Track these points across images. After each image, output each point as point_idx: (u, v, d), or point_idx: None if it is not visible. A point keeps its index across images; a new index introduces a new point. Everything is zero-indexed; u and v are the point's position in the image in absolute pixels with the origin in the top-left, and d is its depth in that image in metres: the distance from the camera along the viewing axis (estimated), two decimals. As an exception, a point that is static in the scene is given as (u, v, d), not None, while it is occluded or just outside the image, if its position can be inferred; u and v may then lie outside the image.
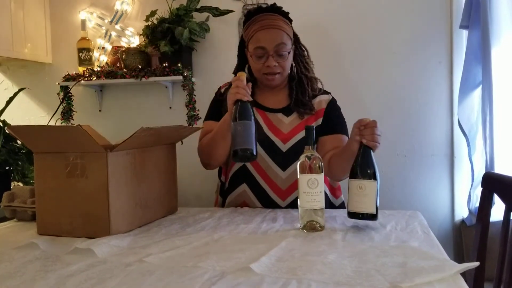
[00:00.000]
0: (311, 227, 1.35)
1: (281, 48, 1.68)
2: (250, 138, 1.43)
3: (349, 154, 1.45)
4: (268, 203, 1.73)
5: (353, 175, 1.35)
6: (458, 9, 2.38)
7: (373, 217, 1.34)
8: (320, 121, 1.77)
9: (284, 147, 1.72)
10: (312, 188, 1.33)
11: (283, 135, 1.73)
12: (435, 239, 1.26)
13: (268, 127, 1.76)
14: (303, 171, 1.35)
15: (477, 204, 1.63)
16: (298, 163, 1.36)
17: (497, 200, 1.53)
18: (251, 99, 1.50)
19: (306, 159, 1.35)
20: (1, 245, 1.29)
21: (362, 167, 1.34)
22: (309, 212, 1.35)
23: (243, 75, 1.53)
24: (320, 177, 1.34)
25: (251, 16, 1.75)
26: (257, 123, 1.74)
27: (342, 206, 1.84)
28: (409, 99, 2.48)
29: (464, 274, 0.99)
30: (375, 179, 1.33)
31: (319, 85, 1.84)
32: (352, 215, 1.35)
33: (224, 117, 1.62)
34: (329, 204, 1.80)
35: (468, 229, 2.34)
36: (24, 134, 1.45)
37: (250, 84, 1.52)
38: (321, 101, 1.79)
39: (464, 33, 2.36)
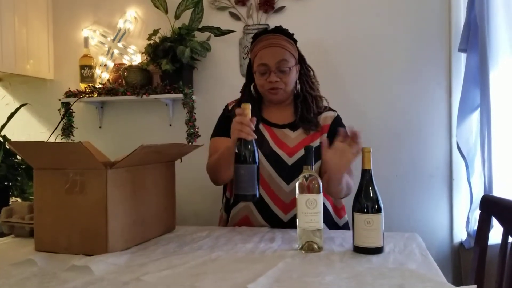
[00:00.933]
0: (309, 247, 1.35)
1: (283, 64, 1.74)
2: (253, 183, 1.42)
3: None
4: (270, 217, 1.74)
5: (360, 209, 1.34)
6: (457, 32, 2.40)
7: (380, 250, 1.34)
8: (325, 136, 1.80)
9: (289, 161, 1.75)
10: (310, 209, 1.33)
11: (289, 149, 1.76)
12: (433, 262, 1.26)
13: (274, 141, 1.79)
14: (301, 191, 1.35)
15: (476, 227, 1.63)
16: (297, 183, 1.36)
17: (495, 223, 1.53)
18: (255, 136, 1.46)
19: (304, 179, 1.35)
20: (-2, 261, 1.29)
21: (369, 202, 1.34)
22: (308, 233, 1.35)
23: (247, 108, 1.48)
24: (319, 197, 1.34)
25: (257, 37, 1.83)
26: (263, 138, 1.78)
27: (346, 226, 1.84)
28: (408, 121, 2.49)
29: (462, 297, 0.99)
30: (381, 211, 1.34)
31: (325, 103, 1.88)
32: (359, 249, 1.34)
33: (228, 146, 1.61)
34: (333, 224, 1.81)
35: (466, 251, 2.33)
36: (24, 150, 1.46)
37: (254, 119, 1.49)
38: (326, 118, 1.84)
39: (463, 56, 2.39)
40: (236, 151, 1.44)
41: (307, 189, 1.34)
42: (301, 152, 1.74)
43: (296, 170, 1.71)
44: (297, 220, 1.37)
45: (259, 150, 1.75)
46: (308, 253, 1.34)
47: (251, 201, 1.43)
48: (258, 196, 1.44)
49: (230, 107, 1.91)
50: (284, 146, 1.77)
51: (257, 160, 1.44)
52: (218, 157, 1.70)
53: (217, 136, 1.86)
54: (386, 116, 2.52)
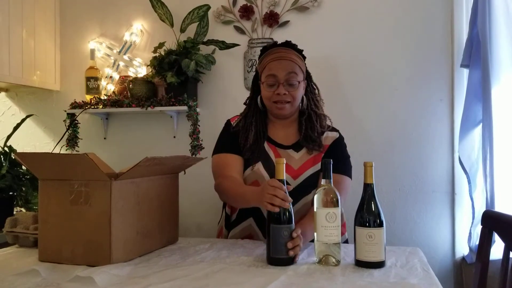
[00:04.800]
0: (326, 261, 1.36)
1: (292, 77, 1.73)
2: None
3: None
4: None
5: (362, 223, 1.35)
6: (459, 48, 2.42)
7: (382, 264, 1.34)
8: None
9: (294, 183, 1.74)
10: (330, 222, 1.34)
11: (294, 172, 1.75)
12: (434, 277, 1.26)
13: None
14: (321, 205, 1.35)
15: (478, 242, 1.63)
16: (315, 197, 1.37)
17: (497, 238, 1.54)
18: (291, 200, 1.37)
19: (324, 193, 1.36)
20: (2, 271, 1.30)
21: (371, 216, 1.34)
22: (327, 246, 1.36)
23: (282, 163, 1.41)
24: (338, 211, 1.35)
25: (266, 50, 1.82)
26: (268, 157, 1.77)
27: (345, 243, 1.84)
28: (410, 136, 2.51)
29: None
30: (382, 225, 1.34)
31: (328, 122, 1.87)
32: (361, 263, 1.35)
33: (252, 198, 1.54)
34: None
35: (468, 266, 2.33)
36: (30, 161, 1.47)
37: (289, 187, 1.44)
38: (327, 138, 1.83)
39: (465, 71, 2.40)
40: (272, 212, 1.36)
41: (326, 203, 1.35)
42: (305, 174, 1.75)
43: (300, 192, 1.73)
44: (315, 234, 1.38)
45: (264, 169, 1.75)
46: (325, 266, 1.35)
47: (287, 265, 1.38)
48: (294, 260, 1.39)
49: (233, 123, 1.88)
50: (289, 168, 1.74)
51: (293, 221, 1.39)
52: (239, 195, 1.63)
53: (221, 152, 1.83)
54: (388, 130, 2.53)
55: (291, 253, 1.35)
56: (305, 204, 1.73)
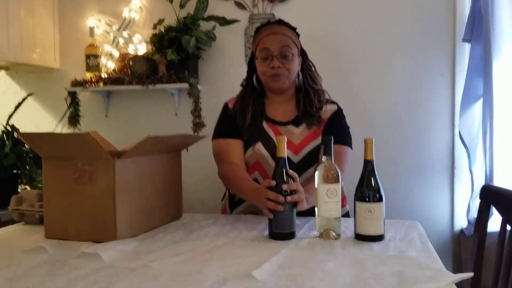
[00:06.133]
0: (327, 235, 1.39)
1: (286, 50, 1.73)
2: (292, 220, 1.40)
3: None
4: None
5: (361, 198, 1.37)
6: (461, 22, 2.41)
7: (381, 237, 1.37)
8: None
9: (295, 158, 1.75)
10: (331, 198, 1.37)
11: (295, 147, 1.76)
12: (432, 250, 1.29)
13: None
14: (322, 181, 1.38)
15: (476, 215, 1.65)
16: (316, 173, 1.39)
17: (495, 211, 1.56)
18: (283, 199, 1.38)
19: (325, 169, 1.38)
20: (10, 249, 1.33)
21: (371, 191, 1.36)
22: (327, 221, 1.38)
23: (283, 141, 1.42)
24: (338, 186, 1.38)
25: (259, 29, 1.82)
26: (268, 137, 1.78)
27: (347, 216, 1.86)
28: (411, 110, 2.51)
29: (461, 283, 1.02)
30: (382, 200, 1.36)
31: (326, 96, 1.88)
32: (361, 237, 1.37)
33: (251, 198, 1.59)
34: None
35: (467, 239, 2.37)
36: (33, 141, 1.49)
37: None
38: (326, 111, 1.83)
39: (467, 46, 2.40)
40: (274, 187, 1.38)
41: (327, 179, 1.37)
42: (306, 149, 1.76)
43: (302, 167, 1.74)
44: (316, 209, 1.40)
45: (265, 149, 1.77)
46: (326, 239, 1.37)
47: (289, 239, 1.41)
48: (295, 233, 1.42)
49: (231, 106, 1.88)
50: (289, 144, 1.73)
51: None
52: (237, 191, 1.75)
53: (220, 137, 1.84)
54: (388, 105, 2.54)
55: (289, 198, 1.36)
56: (306, 178, 1.74)
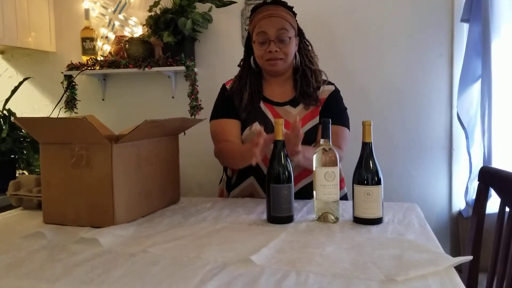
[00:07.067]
0: (325, 218, 1.39)
1: (282, 33, 1.72)
2: (290, 203, 1.39)
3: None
4: None
5: (360, 181, 1.36)
6: (460, 2, 2.39)
7: (379, 220, 1.37)
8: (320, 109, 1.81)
9: None
10: (329, 181, 1.36)
11: None
12: (431, 232, 1.29)
13: None
14: (320, 164, 1.37)
15: (474, 197, 1.65)
16: (314, 156, 1.39)
17: (493, 193, 1.56)
18: (259, 160, 1.42)
19: (323, 152, 1.37)
20: (9, 234, 1.33)
21: (369, 174, 1.36)
22: (325, 204, 1.38)
23: (280, 124, 1.41)
24: (336, 169, 1.37)
25: (256, 9, 1.80)
26: (265, 117, 1.78)
27: (344, 198, 1.86)
28: (409, 91, 2.50)
29: (459, 265, 1.02)
30: (380, 183, 1.36)
31: (324, 77, 1.87)
32: (359, 220, 1.37)
33: (248, 149, 1.54)
34: None
35: (465, 220, 2.38)
36: (30, 126, 1.48)
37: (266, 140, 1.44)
38: (323, 91, 1.83)
39: (465, 26, 2.37)
40: (272, 170, 1.38)
41: (325, 162, 1.37)
42: (304, 129, 1.74)
43: None
44: (314, 192, 1.40)
45: (263, 129, 1.76)
46: (324, 223, 1.37)
47: (287, 223, 1.40)
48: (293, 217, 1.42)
49: (228, 86, 1.88)
50: (287, 124, 1.74)
51: (292, 180, 1.40)
52: (235, 155, 1.70)
53: (218, 118, 1.84)
54: (386, 86, 2.52)
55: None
56: None
